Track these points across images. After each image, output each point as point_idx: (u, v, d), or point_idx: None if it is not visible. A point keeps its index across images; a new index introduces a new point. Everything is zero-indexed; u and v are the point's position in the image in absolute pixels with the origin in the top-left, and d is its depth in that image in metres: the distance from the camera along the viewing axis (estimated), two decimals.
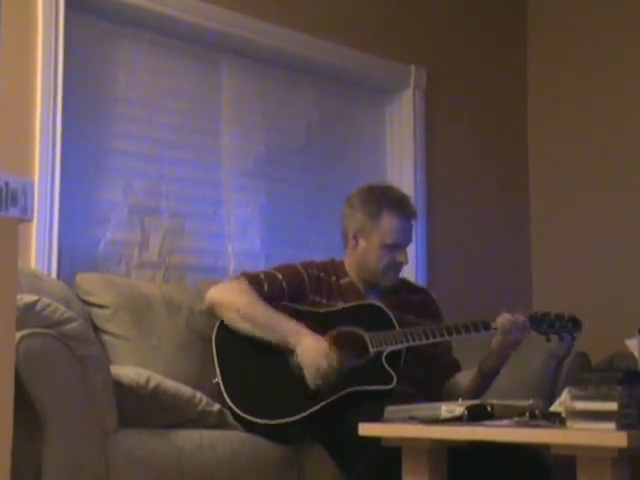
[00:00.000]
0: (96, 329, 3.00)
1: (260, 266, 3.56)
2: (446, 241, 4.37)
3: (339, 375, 2.84)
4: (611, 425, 2.05)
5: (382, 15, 4.26)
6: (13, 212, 1.74)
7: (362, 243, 3.14)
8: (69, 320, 2.45)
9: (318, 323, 2.97)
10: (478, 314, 3.02)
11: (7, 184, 1.72)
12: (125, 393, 2.58)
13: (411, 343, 2.96)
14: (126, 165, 3.52)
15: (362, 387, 2.86)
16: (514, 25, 4.85)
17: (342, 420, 2.73)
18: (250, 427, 2.78)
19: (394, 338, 2.95)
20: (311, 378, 2.84)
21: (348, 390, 2.84)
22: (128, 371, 2.69)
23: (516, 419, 2.27)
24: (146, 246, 3.52)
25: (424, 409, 2.43)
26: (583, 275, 4.53)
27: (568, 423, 2.12)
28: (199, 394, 2.76)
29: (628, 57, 4.53)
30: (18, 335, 2.27)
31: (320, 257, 3.30)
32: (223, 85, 3.83)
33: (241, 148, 3.85)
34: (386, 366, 2.90)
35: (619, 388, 2.07)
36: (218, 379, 2.87)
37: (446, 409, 2.36)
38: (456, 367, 3.19)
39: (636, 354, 2.55)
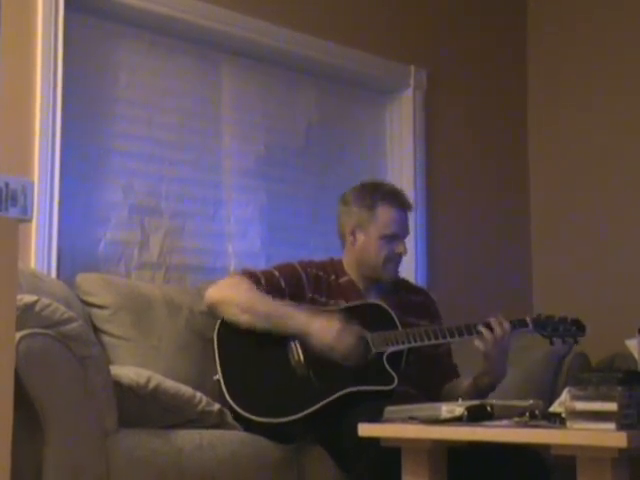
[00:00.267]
0: (96, 329, 3.00)
1: (260, 266, 3.55)
2: (446, 241, 4.37)
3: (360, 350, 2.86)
4: (611, 425, 2.05)
5: (382, 15, 4.26)
6: (13, 212, 1.74)
7: (360, 237, 3.14)
8: (69, 320, 2.45)
9: None
10: (478, 315, 3.02)
11: (7, 184, 1.72)
12: (125, 393, 2.58)
13: (413, 344, 2.96)
14: (126, 165, 3.52)
15: (363, 387, 2.86)
16: (514, 25, 4.85)
17: (342, 420, 2.72)
18: (250, 426, 2.78)
19: (396, 339, 2.95)
20: (342, 358, 2.86)
21: (349, 390, 2.84)
22: (128, 371, 2.69)
23: (516, 419, 2.27)
24: (146, 246, 3.52)
25: (424, 409, 2.43)
26: (583, 275, 4.53)
27: (568, 423, 2.12)
28: (199, 394, 2.75)
29: (628, 57, 4.53)
30: (18, 335, 2.27)
31: (321, 257, 3.29)
32: (223, 85, 3.82)
33: (241, 148, 3.85)
34: (387, 366, 2.90)
35: (619, 388, 2.06)
36: (219, 376, 2.86)
37: (446, 409, 2.36)
38: (454, 372, 3.19)
39: (636, 354, 2.55)
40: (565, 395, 2.17)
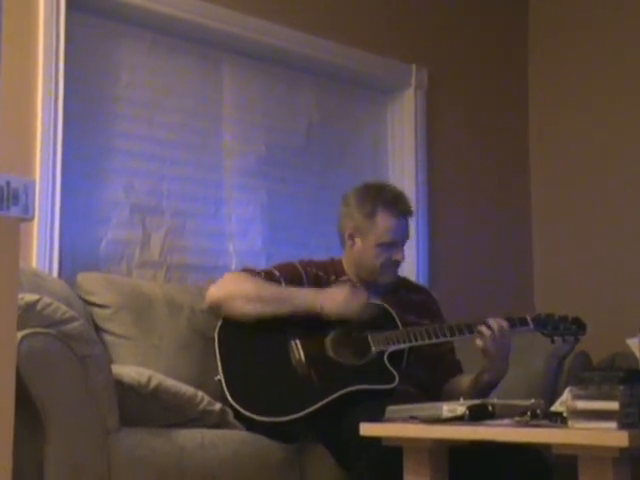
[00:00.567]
0: (97, 328, 3.01)
1: (261, 265, 3.55)
2: (447, 241, 4.37)
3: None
4: (612, 424, 2.05)
5: (383, 14, 4.27)
6: (14, 211, 1.74)
7: (358, 242, 3.15)
8: (70, 319, 2.45)
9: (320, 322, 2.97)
10: (480, 314, 3.02)
11: (8, 183, 1.72)
12: (126, 392, 2.58)
13: (414, 343, 2.96)
14: (127, 164, 3.52)
15: (364, 386, 2.86)
16: (515, 25, 4.85)
17: (343, 419, 2.72)
18: (251, 425, 2.78)
19: (397, 338, 2.95)
20: (359, 313, 2.94)
21: (350, 389, 2.84)
22: (129, 370, 2.69)
23: (517, 419, 2.27)
24: (147, 245, 3.52)
25: (425, 409, 2.42)
26: (584, 274, 4.53)
27: (569, 423, 2.12)
28: (200, 393, 2.75)
29: (629, 57, 4.53)
30: (19, 335, 2.27)
31: (321, 257, 3.29)
32: (224, 85, 3.83)
33: (242, 147, 3.85)
34: (388, 365, 2.90)
35: (620, 387, 2.06)
36: (220, 376, 2.87)
37: (447, 409, 2.35)
38: (458, 368, 3.19)
39: (637, 353, 2.55)
40: (566, 394, 2.17)
